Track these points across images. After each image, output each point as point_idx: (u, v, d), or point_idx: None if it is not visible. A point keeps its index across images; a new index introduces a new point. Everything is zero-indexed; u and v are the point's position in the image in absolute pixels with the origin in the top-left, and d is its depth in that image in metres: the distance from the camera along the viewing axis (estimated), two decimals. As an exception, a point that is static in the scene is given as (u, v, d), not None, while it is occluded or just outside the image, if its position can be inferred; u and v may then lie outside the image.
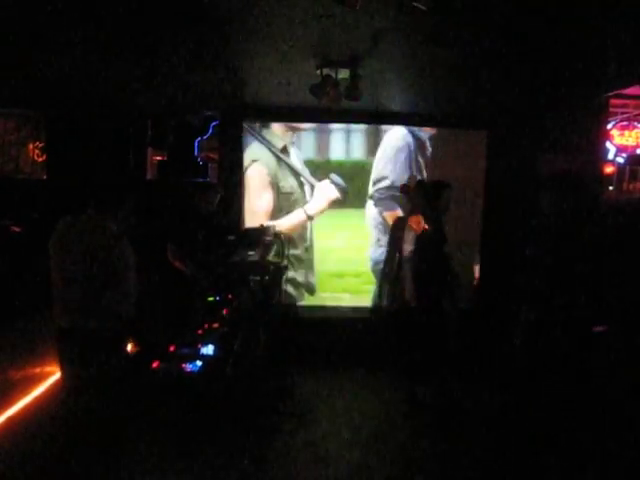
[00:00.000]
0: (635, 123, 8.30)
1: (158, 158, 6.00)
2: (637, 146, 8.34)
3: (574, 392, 3.34)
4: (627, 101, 7.51)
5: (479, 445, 3.83)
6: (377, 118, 5.57)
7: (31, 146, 6.69)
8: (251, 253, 4.27)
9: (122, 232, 3.08)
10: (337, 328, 5.57)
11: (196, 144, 5.52)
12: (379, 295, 4.83)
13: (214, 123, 5.56)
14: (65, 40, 3.39)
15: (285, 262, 4.68)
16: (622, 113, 8.07)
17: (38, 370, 4.51)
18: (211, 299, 4.05)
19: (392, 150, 5.65)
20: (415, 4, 2.42)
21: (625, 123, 8.28)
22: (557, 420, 3.46)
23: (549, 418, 3.49)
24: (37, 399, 4.27)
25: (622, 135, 8.30)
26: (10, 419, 3.89)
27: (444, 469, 3.60)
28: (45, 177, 5.96)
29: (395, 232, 4.61)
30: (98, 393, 3.02)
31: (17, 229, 5.11)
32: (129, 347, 3.16)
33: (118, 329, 3.01)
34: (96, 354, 2.97)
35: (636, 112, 8.00)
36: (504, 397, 4.22)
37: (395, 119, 5.63)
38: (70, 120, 5.33)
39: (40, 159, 6.59)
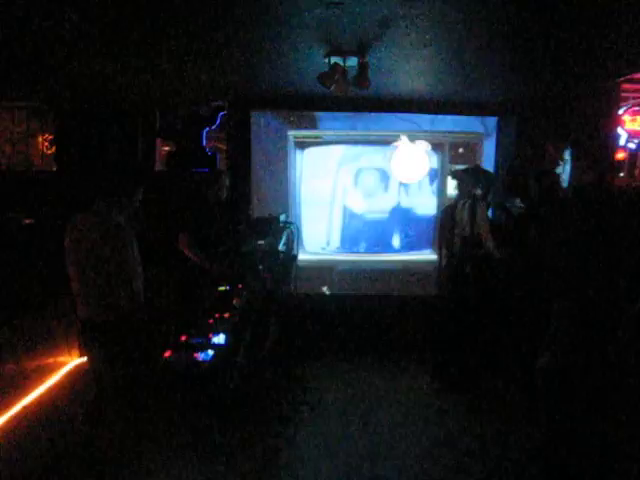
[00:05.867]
0: (647, 108, 8.19)
1: (166, 149, 6.01)
2: (649, 132, 8.24)
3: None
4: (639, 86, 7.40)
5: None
6: (388, 106, 5.50)
7: (40, 139, 6.73)
8: (261, 242, 4.27)
9: (130, 224, 3.12)
10: (353, 316, 5.61)
11: (204, 134, 5.51)
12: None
13: (222, 113, 5.55)
14: (73, 33, 3.39)
15: (295, 251, 4.68)
16: (634, 98, 7.97)
17: (52, 360, 4.57)
18: (221, 288, 4.06)
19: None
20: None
21: (637, 108, 8.17)
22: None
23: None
24: (51, 389, 4.32)
25: (634, 121, 8.20)
26: (26, 408, 3.94)
27: (458, 457, 3.61)
28: (55, 169, 5.99)
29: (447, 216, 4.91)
30: (113, 384, 3.08)
31: (29, 221, 5.15)
32: (140, 338, 3.20)
33: (128, 320, 3.07)
34: (111, 345, 3.03)
35: (648, 97, 7.89)
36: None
37: (406, 106, 5.55)
38: (78, 112, 5.34)
39: (50, 151, 6.62)
